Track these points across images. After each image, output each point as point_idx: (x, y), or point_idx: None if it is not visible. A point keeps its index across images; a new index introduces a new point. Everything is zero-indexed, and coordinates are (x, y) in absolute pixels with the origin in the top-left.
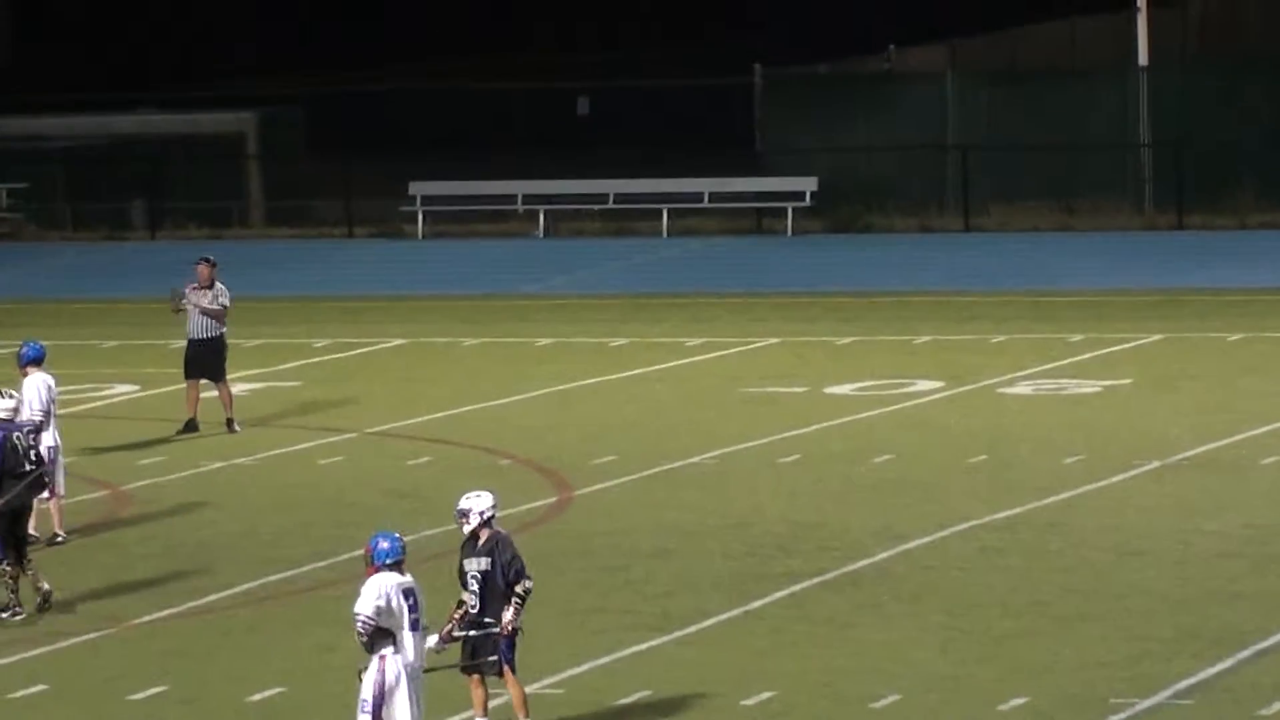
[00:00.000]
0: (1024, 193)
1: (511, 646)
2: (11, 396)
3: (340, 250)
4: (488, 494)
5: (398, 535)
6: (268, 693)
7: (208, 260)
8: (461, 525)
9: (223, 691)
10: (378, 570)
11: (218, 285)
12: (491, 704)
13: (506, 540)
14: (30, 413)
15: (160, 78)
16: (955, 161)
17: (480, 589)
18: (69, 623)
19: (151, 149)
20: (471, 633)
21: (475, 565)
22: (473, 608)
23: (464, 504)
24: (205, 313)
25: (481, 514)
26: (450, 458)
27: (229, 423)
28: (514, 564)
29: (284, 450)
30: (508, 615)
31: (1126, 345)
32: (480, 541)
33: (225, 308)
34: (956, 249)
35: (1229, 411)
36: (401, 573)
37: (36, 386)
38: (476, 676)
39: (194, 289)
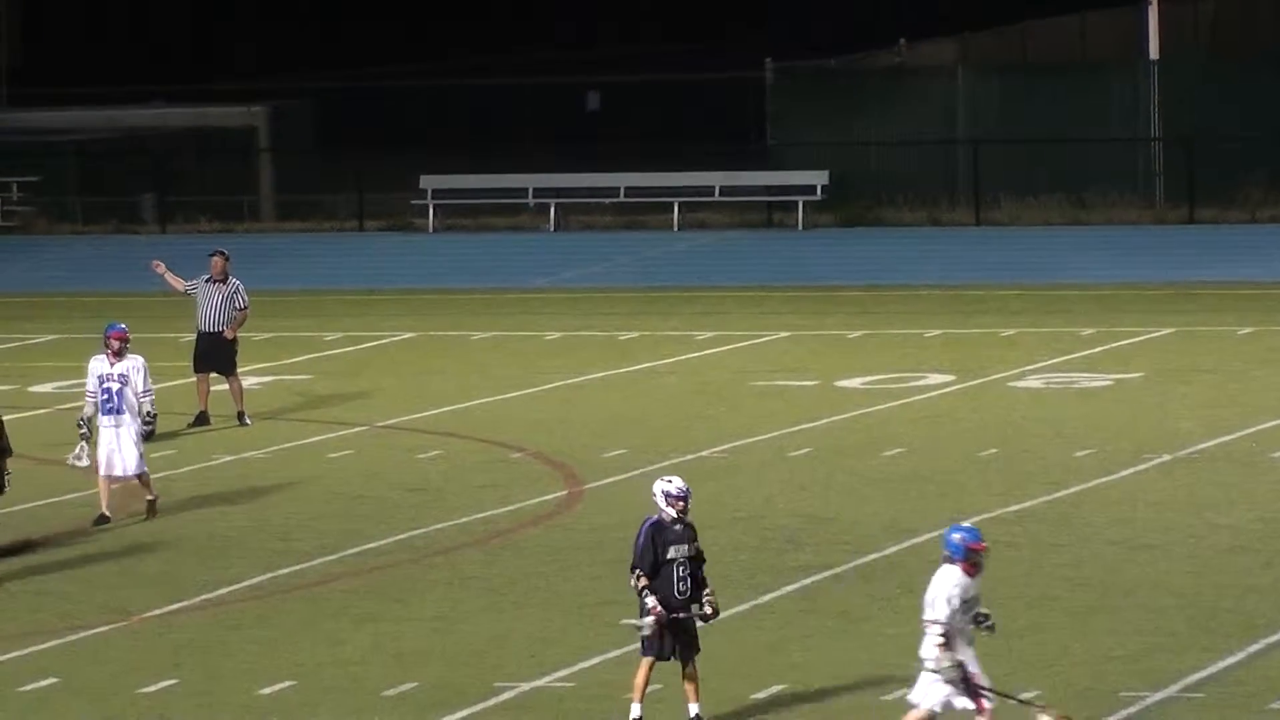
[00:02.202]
0: (1035, 187)
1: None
2: None
3: (351, 244)
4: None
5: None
6: (278, 686)
7: (221, 253)
8: (680, 509)
9: (233, 685)
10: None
11: (233, 281)
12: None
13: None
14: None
15: (171, 72)
16: (966, 155)
17: (689, 574)
18: (80, 616)
19: (162, 143)
20: (681, 615)
21: (684, 550)
22: (683, 594)
23: (680, 485)
24: (232, 320)
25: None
26: (460, 451)
27: (239, 416)
28: (701, 549)
29: (294, 444)
30: (711, 597)
31: (1137, 339)
32: (683, 526)
33: (245, 309)
34: (967, 243)
35: (1240, 405)
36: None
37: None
38: (650, 661)
39: (207, 281)
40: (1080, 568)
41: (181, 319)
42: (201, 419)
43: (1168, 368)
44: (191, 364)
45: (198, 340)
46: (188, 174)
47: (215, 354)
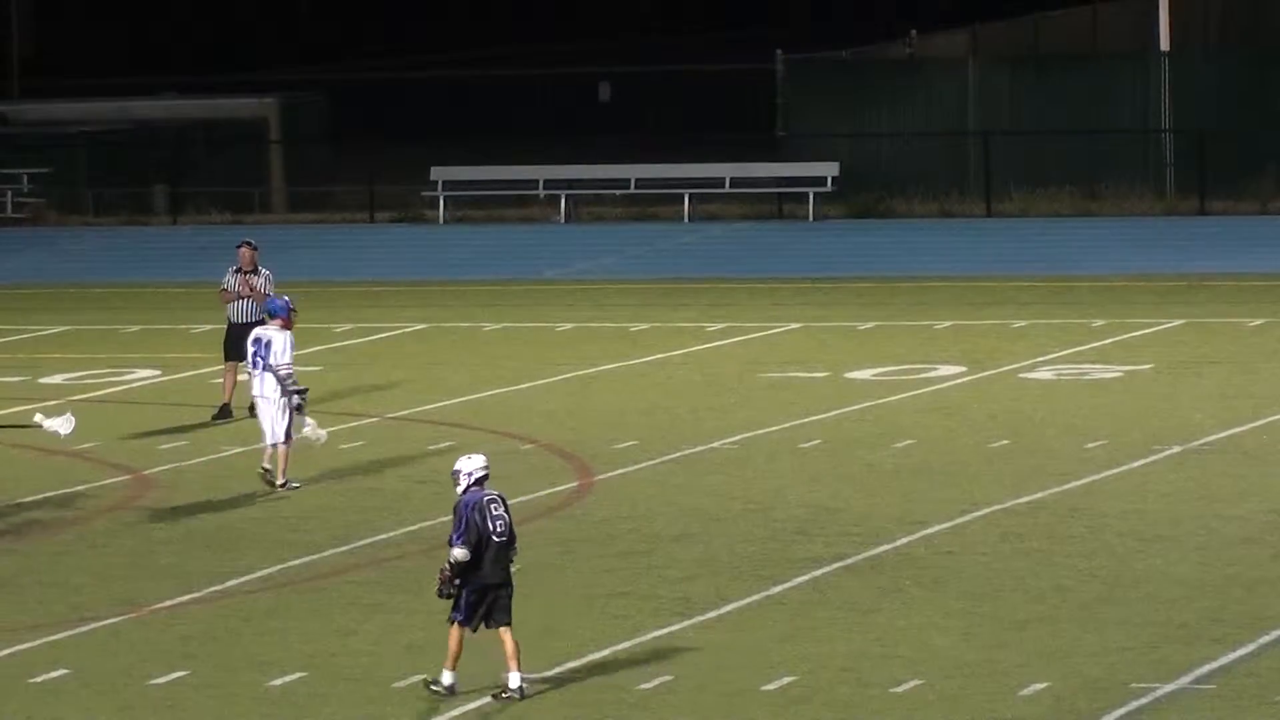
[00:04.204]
0: (1045, 178)
1: (456, 605)
2: None
3: (361, 235)
4: (479, 456)
5: None
6: (289, 678)
7: (249, 244)
8: (455, 486)
9: (244, 676)
10: None
11: (263, 271)
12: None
13: (456, 505)
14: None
15: (183, 62)
16: (977, 147)
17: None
18: (90, 607)
19: (173, 134)
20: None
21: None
22: (463, 558)
23: (455, 465)
24: (254, 295)
25: (470, 474)
26: (471, 442)
27: (251, 408)
28: (451, 530)
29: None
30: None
31: (1148, 330)
32: None
33: (270, 296)
34: (978, 234)
35: (1251, 397)
36: None
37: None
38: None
39: (235, 272)
40: (1091, 559)
41: (192, 310)
42: (224, 411)
43: (1179, 359)
44: (222, 353)
45: (229, 330)
46: (199, 165)
47: (246, 344)
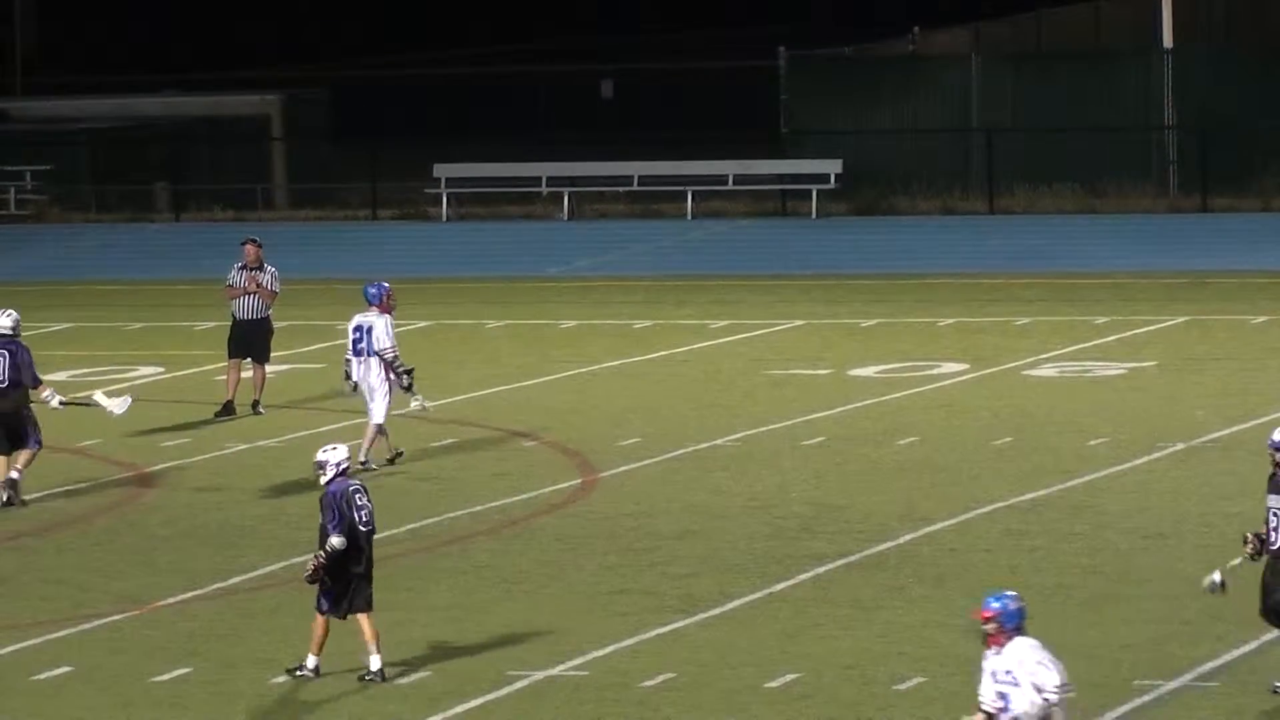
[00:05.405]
0: (1048, 175)
1: (322, 598)
2: (9, 315)
3: (364, 233)
4: (343, 447)
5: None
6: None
7: (254, 241)
8: (319, 477)
9: (246, 673)
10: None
11: (269, 268)
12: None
13: (323, 496)
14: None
15: (185, 60)
16: (980, 144)
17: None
18: (93, 604)
19: (176, 131)
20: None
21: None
22: (341, 546)
23: (320, 456)
24: (260, 291)
25: (337, 465)
26: (474, 440)
27: (254, 405)
28: (321, 521)
29: (308, 432)
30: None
31: (1151, 327)
32: None
33: (276, 293)
34: (981, 231)
35: (1253, 394)
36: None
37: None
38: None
39: (241, 269)
40: (1094, 556)
41: (193, 308)
42: (228, 409)
43: (1181, 356)
44: (226, 349)
45: (233, 327)
46: (201, 162)
47: (251, 340)
